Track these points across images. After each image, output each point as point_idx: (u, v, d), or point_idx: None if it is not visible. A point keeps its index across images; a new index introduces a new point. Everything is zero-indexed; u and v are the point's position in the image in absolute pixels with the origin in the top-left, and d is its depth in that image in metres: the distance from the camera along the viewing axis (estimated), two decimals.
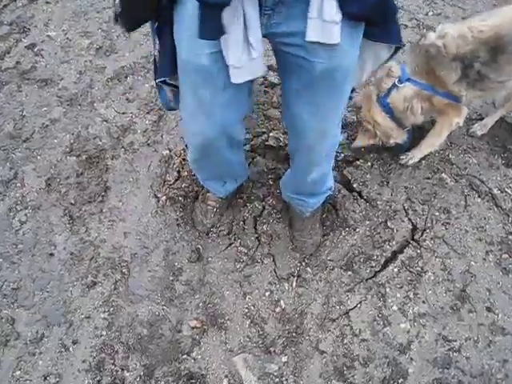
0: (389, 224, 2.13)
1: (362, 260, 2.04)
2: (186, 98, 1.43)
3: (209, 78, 1.28)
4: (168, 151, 2.36)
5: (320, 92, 1.34)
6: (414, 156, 2.28)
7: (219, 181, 1.97)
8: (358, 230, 2.13)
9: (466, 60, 1.87)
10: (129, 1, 1.17)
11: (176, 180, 2.26)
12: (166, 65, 1.33)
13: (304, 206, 1.99)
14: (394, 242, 2.09)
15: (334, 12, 1.10)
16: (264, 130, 2.41)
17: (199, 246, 2.08)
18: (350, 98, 1.61)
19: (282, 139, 2.35)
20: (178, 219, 2.16)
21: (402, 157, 2.30)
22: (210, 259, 2.06)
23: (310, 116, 1.42)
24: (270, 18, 1.16)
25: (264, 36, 1.21)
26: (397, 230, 2.12)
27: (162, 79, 1.39)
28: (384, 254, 2.06)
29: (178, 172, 2.27)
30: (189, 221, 2.15)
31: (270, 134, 2.38)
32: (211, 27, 1.09)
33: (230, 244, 2.10)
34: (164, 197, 2.21)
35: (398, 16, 1.29)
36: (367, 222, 2.14)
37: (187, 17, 1.17)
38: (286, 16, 1.15)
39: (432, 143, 2.23)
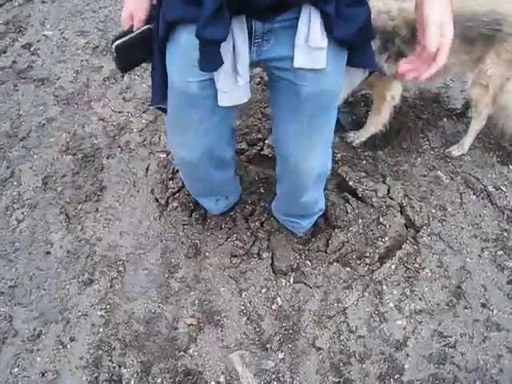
0: (381, 220, 2.14)
1: (355, 257, 2.05)
2: (174, 120, 1.49)
3: (197, 102, 1.34)
4: (165, 155, 2.36)
5: (305, 115, 1.38)
6: (360, 135, 2.33)
7: (212, 198, 2.01)
8: (350, 228, 2.13)
9: (387, 34, 1.90)
10: (125, 49, 1.27)
11: (182, 187, 2.24)
12: (158, 92, 1.40)
13: (297, 227, 2.04)
14: (386, 238, 2.10)
15: (319, 38, 1.15)
16: (260, 136, 2.41)
17: (197, 241, 2.09)
18: None
19: None
20: (186, 220, 2.16)
21: (349, 135, 2.36)
22: (207, 254, 2.06)
23: (295, 140, 1.46)
24: (260, 46, 1.21)
25: (256, 62, 1.27)
26: (390, 226, 2.13)
27: (157, 106, 1.47)
28: (377, 251, 2.07)
29: (183, 183, 2.24)
30: (198, 219, 2.16)
31: (266, 141, 2.38)
32: (211, 60, 1.15)
33: (227, 238, 2.10)
34: (175, 202, 2.21)
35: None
36: (360, 220, 2.15)
37: (180, 48, 1.23)
38: (274, 43, 1.21)
39: (374, 122, 2.27)
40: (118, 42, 1.24)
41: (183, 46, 1.22)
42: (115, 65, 1.32)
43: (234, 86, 1.24)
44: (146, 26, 1.24)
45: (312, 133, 1.43)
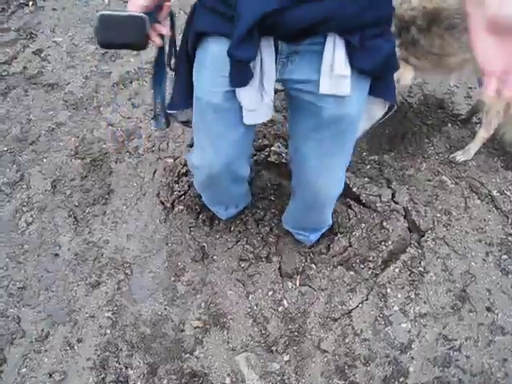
0: (384, 224, 2.15)
1: (359, 261, 2.07)
2: (199, 132, 1.52)
3: (220, 114, 1.37)
4: (173, 160, 2.39)
5: (326, 137, 1.40)
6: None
7: (221, 206, 2.04)
8: (354, 233, 2.14)
9: (403, 22, 1.93)
10: (108, 23, 1.23)
11: (187, 190, 2.27)
12: (180, 100, 1.47)
13: (305, 240, 2.07)
14: (390, 242, 2.11)
15: (343, 67, 1.19)
16: (266, 142, 2.43)
17: (204, 244, 2.11)
18: None
19: (283, 155, 2.36)
20: (192, 222, 2.18)
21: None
22: (214, 257, 2.08)
23: (315, 157, 1.49)
24: (285, 65, 1.25)
25: (277, 81, 1.30)
26: (393, 230, 2.14)
27: (174, 112, 1.54)
28: (380, 255, 2.08)
29: (189, 187, 2.27)
30: (205, 221, 2.18)
31: (272, 149, 2.40)
32: (241, 76, 1.21)
33: (237, 242, 2.12)
34: (181, 205, 2.23)
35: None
36: (363, 225, 2.16)
37: (207, 58, 1.28)
38: (298, 64, 1.25)
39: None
40: (105, 12, 1.22)
41: (211, 57, 1.26)
42: (95, 35, 1.26)
43: (259, 103, 1.28)
44: (140, 14, 1.21)
45: (331, 153, 1.46)
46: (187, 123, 1.64)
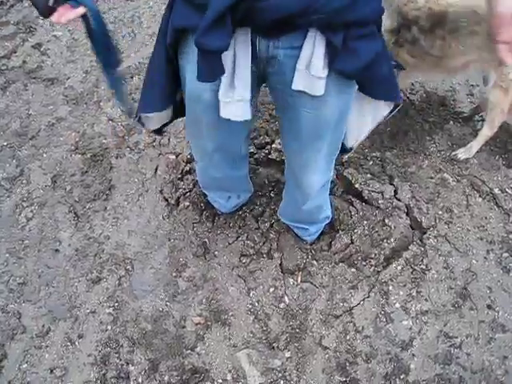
0: (386, 221, 2.15)
1: (361, 258, 2.07)
2: (187, 119, 1.50)
3: (209, 109, 1.32)
4: (174, 156, 2.38)
5: (304, 137, 1.39)
6: None
7: (223, 195, 2.02)
8: (355, 230, 2.14)
9: (406, 20, 1.92)
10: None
11: (193, 188, 2.26)
12: (153, 101, 1.37)
13: (304, 233, 2.06)
14: (392, 239, 2.11)
15: (320, 68, 1.12)
16: (268, 139, 2.42)
17: (206, 240, 2.11)
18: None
19: None
20: (196, 219, 2.17)
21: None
22: (216, 253, 2.08)
23: (294, 156, 1.51)
24: (264, 68, 1.20)
25: (262, 77, 1.26)
26: (395, 227, 2.14)
27: (147, 114, 1.43)
28: (382, 252, 2.08)
29: (194, 185, 2.27)
30: (208, 217, 2.18)
31: (273, 146, 2.39)
32: (209, 70, 1.11)
33: (237, 237, 2.12)
34: (187, 201, 2.22)
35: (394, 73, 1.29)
36: (365, 222, 2.16)
37: (192, 55, 1.18)
38: (278, 68, 1.19)
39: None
40: None
41: (195, 54, 1.15)
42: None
43: (232, 97, 1.19)
44: None
45: (311, 151, 1.45)
46: (158, 131, 1.59)
